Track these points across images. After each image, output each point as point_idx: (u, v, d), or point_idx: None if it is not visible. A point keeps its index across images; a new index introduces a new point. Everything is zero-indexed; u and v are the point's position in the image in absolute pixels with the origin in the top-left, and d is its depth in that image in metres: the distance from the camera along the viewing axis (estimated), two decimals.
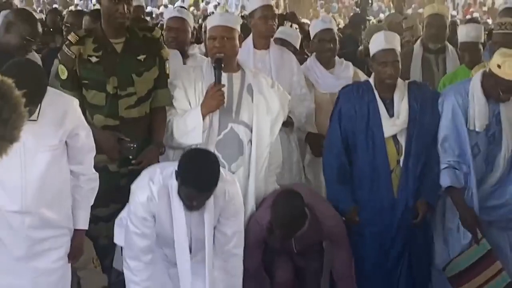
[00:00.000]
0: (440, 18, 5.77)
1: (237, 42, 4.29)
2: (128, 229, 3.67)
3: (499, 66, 4.20)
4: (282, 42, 5.63)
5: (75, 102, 3.57)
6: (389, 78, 4.32)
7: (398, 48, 4.45)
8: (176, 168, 3.52)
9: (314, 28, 5.23)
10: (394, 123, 4.40)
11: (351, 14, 15.30)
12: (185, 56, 5.02)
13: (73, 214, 3.61)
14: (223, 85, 4.17)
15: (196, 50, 5.64)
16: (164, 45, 4.35)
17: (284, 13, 10.28)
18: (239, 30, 4.33)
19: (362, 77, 5.11)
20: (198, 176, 3.47)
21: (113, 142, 4.08)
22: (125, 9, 3.99)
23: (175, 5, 22.50)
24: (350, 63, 5.26)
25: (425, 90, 4.57)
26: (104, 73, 4.07)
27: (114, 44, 4.11)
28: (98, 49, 4.08)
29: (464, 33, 5.34)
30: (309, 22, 17.86)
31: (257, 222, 4.16)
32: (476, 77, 4.42)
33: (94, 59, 4.07)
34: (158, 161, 4.16)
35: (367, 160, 4.42)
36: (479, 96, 4.34)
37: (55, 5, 22.62)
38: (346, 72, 5.13)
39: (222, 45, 4.19)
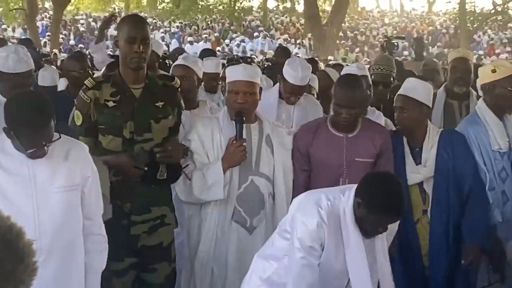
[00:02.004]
0: (465, 62, 5.60)
1: (258, 95, 4.19)
2: (295, 261, 3.37)
3: (494, 71, 4.28)
4: (309, 88, 5.56)
5: (82, 144, 3.43)
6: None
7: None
8: (358, 197, 3.30)
9: None
10: (418, 171, 4.29)
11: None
12: (192, 105, 4.90)
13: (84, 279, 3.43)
14: (245, 140, 4.07)
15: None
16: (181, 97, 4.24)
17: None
18: (260, 82, 4.23)
19: (392, 127, 4.94)
20: (396, 202, 3.24)
21: (126, 158, 3.91)
22: (141, 48, 3.89)
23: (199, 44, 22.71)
24: (381, 113, 5.06)
25: (456, 137, 4.44)
26: (121, 117, 3.95)
27: (132, 89, 4.01)
28: (116, 94, 3.97)
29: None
30: (332, 59, 17.95)
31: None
32: (480, 103, 4.49)
33: (111, 104, 3.96)
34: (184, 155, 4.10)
35: None
36: (491, 115, 4.39)
37: (81, 46, 22.88)
38: (378, 120, 4.90)
39: (244, 101, 4.09)
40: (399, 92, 4.38)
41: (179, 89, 4.41)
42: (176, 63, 5.17)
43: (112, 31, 28.41)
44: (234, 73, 4.18)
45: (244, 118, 4.07)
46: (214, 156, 4.12)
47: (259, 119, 4.28)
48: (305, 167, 4.25)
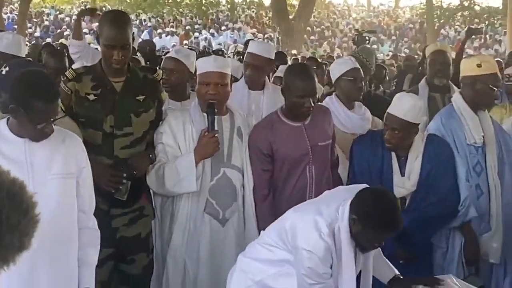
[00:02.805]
0: (443, 55, 5.66)
1: (229, 87, 4.17)
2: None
3: (479, 66, 4.27)
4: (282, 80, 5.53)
5: (76, 136, 3.42)
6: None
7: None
8: (353, 213, 3.30)
9: (343, 67, 4.87)
10: (404, 185, 4.25)
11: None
12: (183, 97, 4.86)
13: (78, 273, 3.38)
14: (217, 131, 4.03)
15: None
16: (162, 89, 4.21)
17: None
18: (230, 73, 4.21)
19: (378, 120, 4.90)
20: (391, 216, 3.26)
21: (104, 169, 3.90)
22: (120, 55, 3.86)
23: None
24: (367, 108, 4.97)
25: (443, 149, 4.35)
26: (102, 111, 3.93)
27: (113, 82, 3.98)
28: (97, 87, 3.95)
29: None
30: (298, 55, 18.01)
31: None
32: (456, 96, 4.48)
33: (91, 97, 3.93)
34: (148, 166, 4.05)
35: None
36: (467, 109, 4.38)
37: (49, 39, 22.61)
38: (366, 113, 4.90)
39: (216, 92, 4.05)
40: (392, 112, 4.20)
41: (168, 81, 4.37)
42: (167, 55, 5.13)
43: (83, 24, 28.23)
44: (205, 65, 4.14)
45: (216, 110, 4.03)
46: (186, 148, 4.08)
47: (230, 111, 4.25)
48: (267, 167, 4.20)
